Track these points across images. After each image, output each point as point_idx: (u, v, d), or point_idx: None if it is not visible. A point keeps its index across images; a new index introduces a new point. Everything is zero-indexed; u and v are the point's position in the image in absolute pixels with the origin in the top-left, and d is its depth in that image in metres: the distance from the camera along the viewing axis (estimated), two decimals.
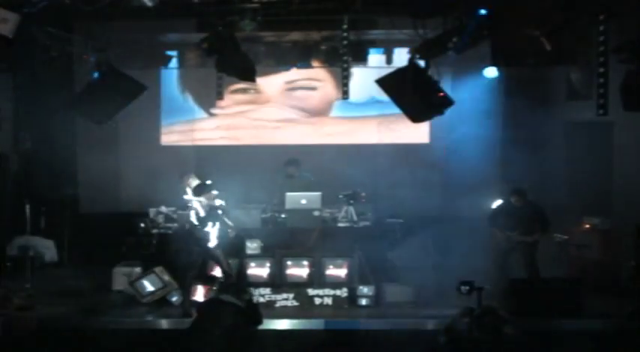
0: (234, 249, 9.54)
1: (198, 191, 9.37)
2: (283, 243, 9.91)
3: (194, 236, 9.12)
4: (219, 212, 9.22)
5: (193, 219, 9.18)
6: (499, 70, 10.99)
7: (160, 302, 9.29)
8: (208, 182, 9.46)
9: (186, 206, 9.70)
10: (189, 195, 9.74)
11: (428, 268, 10.09)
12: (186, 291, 9.02)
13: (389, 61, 11.68)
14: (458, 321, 6.13)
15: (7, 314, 8.36)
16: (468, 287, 6.36)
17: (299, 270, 9.51)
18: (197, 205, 9.22)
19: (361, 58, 11.28)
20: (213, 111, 12.99)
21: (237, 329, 6.43)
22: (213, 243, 9.10)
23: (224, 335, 6.32)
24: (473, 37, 8.02)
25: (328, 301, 9.37)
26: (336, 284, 9.39)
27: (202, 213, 9.14)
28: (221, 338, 6.31)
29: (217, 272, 9.43)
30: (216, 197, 9.32)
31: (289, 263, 9.53)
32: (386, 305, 9.18)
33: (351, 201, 10.37)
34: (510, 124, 12.08)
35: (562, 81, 11.61)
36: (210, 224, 9.09)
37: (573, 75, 11.31)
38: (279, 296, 9.32)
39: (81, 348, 8.07)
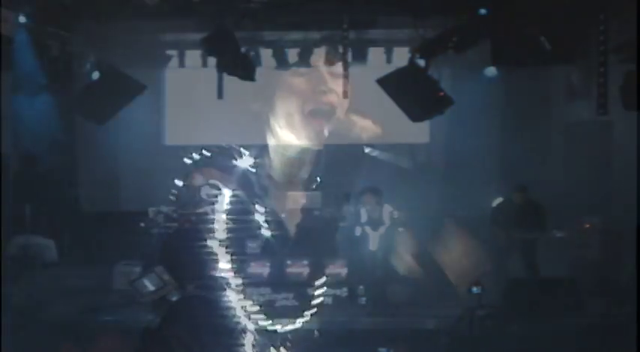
0: None
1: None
2: (283, 242, 9.91)
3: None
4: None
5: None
6: (499, 69, 10.98)
7: (159, 302, 9.26)
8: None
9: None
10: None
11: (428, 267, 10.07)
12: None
13: (389, 60, 11.68)
14: (459, 322, 6.13)
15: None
16: (479, 288, 6.33)
17: (299, 270, 9.51)
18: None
19: (361, 58, 11.29)
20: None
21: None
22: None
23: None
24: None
25: (328, 300, 9.36)
26: (336, 283, 9.40)
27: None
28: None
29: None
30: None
31: (289, 262, 9.53)
32: (386, 305, 9.18)
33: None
34: (510, 124, 12.07)
35: (562, 81, 11.60)
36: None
37: (573, 75, 11.30)
38: (279, 296, 9.32)
39: (80, 347, 8.06)
